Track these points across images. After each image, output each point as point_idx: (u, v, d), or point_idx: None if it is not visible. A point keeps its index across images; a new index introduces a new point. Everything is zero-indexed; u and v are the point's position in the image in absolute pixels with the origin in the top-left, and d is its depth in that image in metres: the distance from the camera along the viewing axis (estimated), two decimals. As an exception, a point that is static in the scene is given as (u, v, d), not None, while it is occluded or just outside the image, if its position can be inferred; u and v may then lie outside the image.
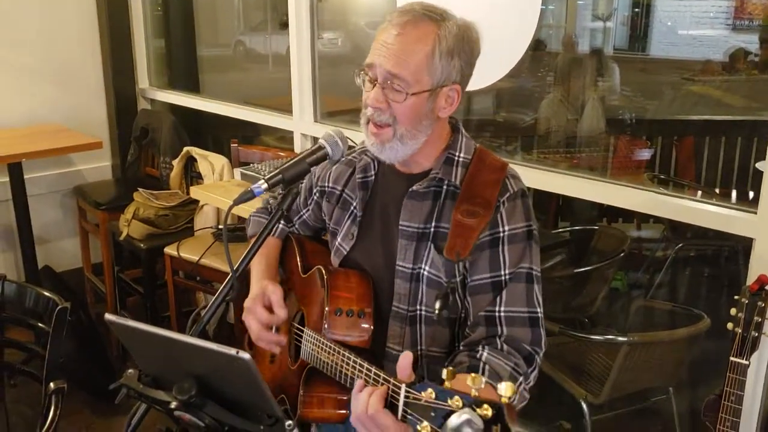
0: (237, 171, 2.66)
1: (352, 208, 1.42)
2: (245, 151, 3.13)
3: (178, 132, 3.57)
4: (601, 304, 3.10)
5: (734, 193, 4.19)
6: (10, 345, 2.36)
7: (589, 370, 2.57)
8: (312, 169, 1.27)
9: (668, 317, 2.89)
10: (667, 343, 2.43)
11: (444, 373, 0.90)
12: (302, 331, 1.39)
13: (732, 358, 1.60)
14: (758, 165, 2.90)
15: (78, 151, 3.45)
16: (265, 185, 1.18)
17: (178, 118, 3.78)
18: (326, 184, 1.50)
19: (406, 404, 0.94)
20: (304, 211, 1.59)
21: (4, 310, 2.32)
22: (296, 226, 1.62)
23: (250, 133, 3.86)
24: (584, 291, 3.11)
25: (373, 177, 1.41)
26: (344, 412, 1.32)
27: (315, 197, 1.54)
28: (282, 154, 3.01)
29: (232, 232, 2.90)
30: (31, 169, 3.49)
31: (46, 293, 2.22)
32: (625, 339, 2.39)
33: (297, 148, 3.10)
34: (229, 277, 1.16)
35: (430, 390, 0.90)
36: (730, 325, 1.62)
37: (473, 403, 0.84)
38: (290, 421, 0.89)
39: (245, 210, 2.53)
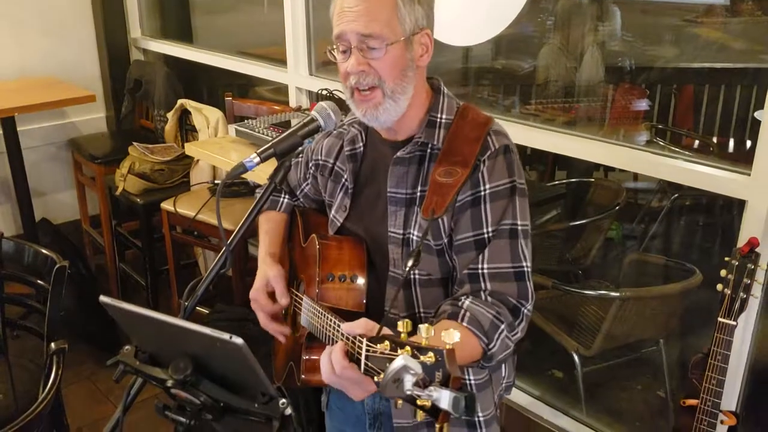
0: (231, 128, 2.65)
1: (343, 180, 1.43)
2: (240, 104, 3.10)
3: (172, 84, 3.54)
4: (595, 255, 3.12)
5: (731, 142, 4.18)
6: (9, 300, 2.40)
7: (581, 322, 2.61)
8: (306, 141, 1.26)
9: (661, 271, 2.92)
10: (658, 298, 2.47)
11: (400, 325, 0.92)
12: (302, 299, 1.42)
13: (720, 319, 1.63)
14: (756, 114, 2.88)
15: (71, 104, 3.42)
16: (258, 159, 1.18)
17: (171, 64, 3.73)
18: (319, 157, 1.50)
19: (366, 357, 0.96)
20: (304, 184, 1.60)
21: (3, 267, 2.34)
22: (300, 199, 1.63)
23: (244, 81, 3.82)
24: (579, 243, 3.14)
25: (362, 148, 1.41)
26: None
27: (311, 171, 1.55)
28: (277, 108, 2.98)
29: (229, 187, 2.92)
30: (25, 122, 3.47)
31: (45, 251, 2.24)
32: (617, 294, 2.42)
33: (292, 102, 3.07)
34: (222, 251, 1.17)
35: (386, 342, 0.92)
36: (719, 287, 1.64)
37: (419, 350, 0.86)
38: (284, 400, 0.92)
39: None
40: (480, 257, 1.24)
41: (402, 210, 1.31)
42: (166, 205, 2.88)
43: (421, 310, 1.33)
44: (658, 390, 2.78)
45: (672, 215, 3.66)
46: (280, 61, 3.13)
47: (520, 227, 1.27)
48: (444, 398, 0.80)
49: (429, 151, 1.30)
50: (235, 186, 2.90)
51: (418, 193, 1.30)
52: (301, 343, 1.40)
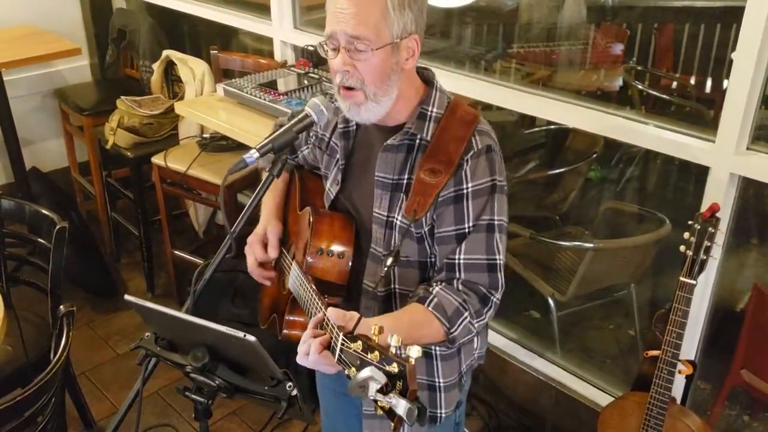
0: (220, 87, 2.69)
1: (337, 156, 1.51)
2: (225, 57, 3.13)
3: (156, 35, 3.53)
4: (572, 201, 3.23)
5: (709, 81, 4.25)
6: (10, 258, 2.49)
7: (558, 267, 2.75)
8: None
9: (634, 219, 3.05)
10: (630, 248, 2.61)
11: (373, 329, 1.02)
12: (291, 264, 1.53)
13: (681, 278, 1.75)
14: (733, 55, 2.94)
15: (57, 58, 3.41)
16: (257, 155, 1.27)
17: (154, 13, 3.69)
18: (318, 131, 1.57)
19: (341, 350, 1.06)
20: (304, 147, 1.66)
21: (3, 225, 2.42)
22: (299, 157, 1.71)
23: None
24: (557, 189, 3.25)
25: (355, 126, 1.48)
26: None
27: (312, 140, 1.62)
28: (263, 62, 3.02)
29: (217, 141, 2.98)
30: (9, 71, 3.46)
31: (44, 211, 2.31)
32: (591, 245, 2.56)
33: (277, 55, 3.10)
34: (227, 237, 1.28)
35: (359, 342, 1.02)
36: (682, 248, 1.76)
37: (385, 359, 0.97)
38: (290, 383, 1.04)
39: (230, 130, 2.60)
40: (458, 249, 1.34)
41: (388, 194, 1.40)
42: (157, 160, 2.94)
43: (397, 286, 1.44)
44: (629, 329, 2.96)
45: (649, 154, 3.76)
46: (264, 6, 3.12)
47: (496, 222, 1.36)
48: (401, 406, 0.92)
49: (418, 141, 1.38)
50: (222, 140, 2.97)
51: (405, 180, 1.39)
52: (286, 300, 1.53)
